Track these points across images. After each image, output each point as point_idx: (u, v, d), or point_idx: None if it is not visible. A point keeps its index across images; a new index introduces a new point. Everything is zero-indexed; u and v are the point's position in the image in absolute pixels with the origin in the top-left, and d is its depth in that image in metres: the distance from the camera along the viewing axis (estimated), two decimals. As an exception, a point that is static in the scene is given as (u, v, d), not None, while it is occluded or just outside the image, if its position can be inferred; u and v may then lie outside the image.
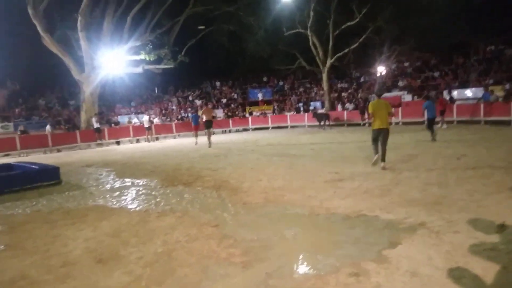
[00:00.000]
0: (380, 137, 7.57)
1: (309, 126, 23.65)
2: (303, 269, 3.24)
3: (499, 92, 18.03)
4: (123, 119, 26.03)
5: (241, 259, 3.51)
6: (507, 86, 17.24)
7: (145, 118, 21.54)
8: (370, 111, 7.62)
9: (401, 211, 4.60)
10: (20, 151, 17.22)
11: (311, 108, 27.29)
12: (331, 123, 21.86)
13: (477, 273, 2.92)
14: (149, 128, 20.57)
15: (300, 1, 23.13)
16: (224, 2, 23.96)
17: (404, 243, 3.59)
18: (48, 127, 20.20)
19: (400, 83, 25.80)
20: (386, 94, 24.72)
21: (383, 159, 7.55)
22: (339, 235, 3.96)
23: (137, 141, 21.57)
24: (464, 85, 22.18)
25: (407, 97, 22.69)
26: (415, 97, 22.45)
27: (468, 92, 20.80)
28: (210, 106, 23.03)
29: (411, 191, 5.51)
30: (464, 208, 4.52)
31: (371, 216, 4.49)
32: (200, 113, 16.09)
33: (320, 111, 23.61)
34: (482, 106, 16.66)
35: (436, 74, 24.97)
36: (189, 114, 28.34)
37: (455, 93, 21.43)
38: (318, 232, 4.12)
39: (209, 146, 14.53)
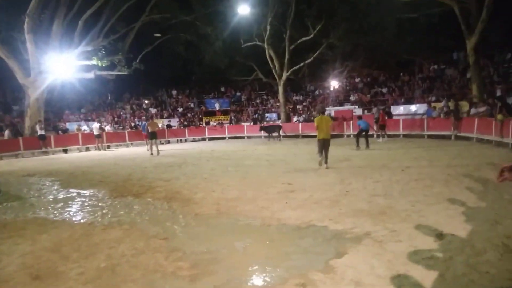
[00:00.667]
0: (325, 145, 9.32)
1: (265, 137, 23.89)
2: (251, 281, 3.23)
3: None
4: (71, 126, 24.75)
5: (189, 272, 3.44)
6: (443, 103, 18.53)
7: (95, 125, 20.60)
8: (316, 124, 9.35)
9: (349, 221, 4.75)
10: (-48, 159, 15.80)
11: (267, 119, 27.72)
12: (285, 134, 22.24)
13: (416, 280, 3.06)
14: (99, 136, 19.70)
15: (257, 14, 23.54)
16: (182, 11, 23.81)
17: (350, 253, 3.70)
18: (7, 132, 18.89)
19: (352, 98, 26.94)
20: (339, 108, 25.72)
21: (326, 162, 9.33)
22: (289, 246, 4.00)
23: (87, 149, 20.56)
24: (409, 101, 23.58)
25: (358, 111, 23.69)
26: (365, 111, 23.51)
27: (413, 108, 22.11)
28: (155, 119, 22.61)
29: (359, 202, 5.72)
30: (406, 218, 4.76)
31: (320, 226, 4.59)
32: (146, 125, 16.74)
33: (276, 122, 24.05)
34: (425, 121, 17.77)
35: (384, 90, 26.36)
36: (142, 122, 27.61)
37: (401, 108, 22.73)
38: (268, 243, 4.14)
39: (158, 154, 15.42)
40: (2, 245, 4.37)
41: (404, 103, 23.52)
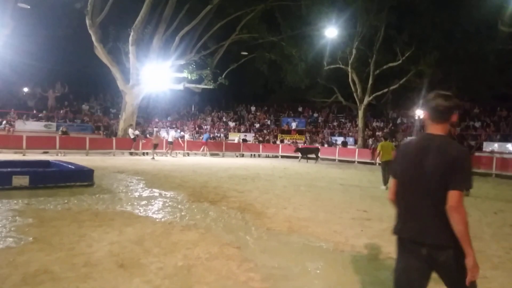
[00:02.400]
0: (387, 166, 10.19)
1: (340, 160, 23.35)
2: (323, 304, 3.13)
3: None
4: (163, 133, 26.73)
5: (261, 285, 3.44)
6: None
7: (171, 133, 22.00)
8: (378, 149, 10.79)
9: (431, 259, 4.37)
10: (58, 150, 18.02)
11: (335, 141, 27.30)
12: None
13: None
14: (171, 143, 20.86)
15: (344, 38, 23.42)
16: (269, 32, 24.64)
17: (432, 293, 3.39)
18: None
19: (439, 129, 25.11)
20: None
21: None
22: (364, 275, 3.81)
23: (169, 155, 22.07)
24: (505, 138, 21.30)
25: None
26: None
27: (510, 146, 19.93)
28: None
29: (443, 241, 5.25)
30: (499, 266, 4.25)
31: (399, 261, 4.29)
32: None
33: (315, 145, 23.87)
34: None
35: (477, 124, 24.18)
36: (221, 135, 28.84)
37: (495, 145, 20.63)
38: (341, 269, 3.98)
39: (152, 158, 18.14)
40: (93, 232, 4.82)
41: (499, 140, 21.29)
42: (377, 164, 13.32)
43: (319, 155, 22.06)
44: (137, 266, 3.76)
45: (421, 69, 22.71)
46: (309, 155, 21.94)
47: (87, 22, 19.38)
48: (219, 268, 3.81)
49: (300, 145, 24.92)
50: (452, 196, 1.95)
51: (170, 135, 21.56)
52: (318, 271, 3.89)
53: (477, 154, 18.18)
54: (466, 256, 1.93)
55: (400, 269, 2.22)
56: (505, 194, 11.15)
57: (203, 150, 23.03)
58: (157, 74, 21.62)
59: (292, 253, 4.42)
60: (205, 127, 30.22)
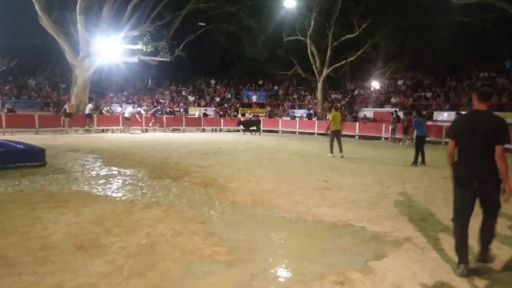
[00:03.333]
0: (338, 136, 11.32)
1: (300, 133, 23.74)
2: (288, 273, 3.21)
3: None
4: (113, 108, 25.62)
5: (226, 257, 3.47)
6: None
7: (128, 108, 21.24)
8: (330, 119, 11.58)
9: (388, 224, 4.62)
10: (5, 129, 16.83)
11: (291, 114, 27.66)
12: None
13: (460, 292, 2.93)
14: (127, 119, 20.24)
15: (302, 9, 23.28)
16: (227, 1, 23.94)
17: (389, 256, 3.60)
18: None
19: (393, 100, 26.12)
20: (378, 109, 25.07)
21: (341, 151, 11.29)
22: (325, 242, 3.95)
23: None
24: (454, 107, 22.57)
25: (399, 114, 22.93)
26: (407, 115, 22.75)
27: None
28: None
29: (398, 206, 5.55)
30: (449, 227, 4.54)
31: (358, 227, 4.49)
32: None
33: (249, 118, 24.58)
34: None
35: (429, 94, 25.37)
36: (181, 109, 28.23)
37: (445, 114, 21.83)
38: (304, 238, 4.10)
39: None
40: (48, 214, 4.60)
41: (449, 110, 22.52)
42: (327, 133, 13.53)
43: (260, 127, 22.53)
44: (98, 246, 3.65)
45: (376, 41, 23.22)
46: (251, 127, 22.26)
47: (29, -12, 17.77)
48: (183, 244, 3.79)
49: (242, 118, 24.97)
50: (498, 149, 3.03)
51: (127, 110, 20.78)
52: (282, 241, 3.98)
53: (428, 123, 19.13)
54: (505, 185, 3.05)
55: (458, 199, 3.34)
56: (452, 160, 11.89)
57: (152, 124, 22.33)
58: (109, 45, 20.43)
59: (257, 225, 4.48)
60: (162, 101, 29.38)
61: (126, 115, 20.27)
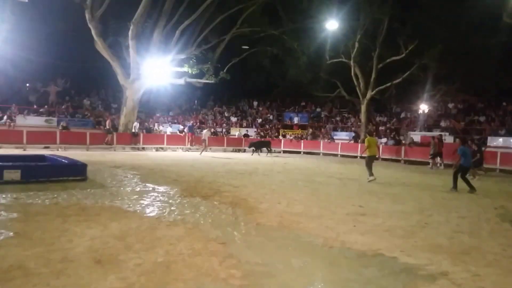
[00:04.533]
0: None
1: (342, 155, 23.12)
2: (303, 303, 2.98)
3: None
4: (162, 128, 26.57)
5: (240, 282, 3.31)
6: None
7: (204, 131, 21.40)
8: (366, 144, 11.19)
9: (423, 256, 4.21)
10: (59, 145, 18.00)
11: (331, 137, 26.89)
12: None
13: None
14: (204, 141, 20.37)
15: (346, 31, 23.10)
16: (270, 25, 24.36)
17: (420, 292, 3.24)
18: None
19: (443, 124, 24.76)
20: (426, 133, 23.83)
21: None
22: (350, 272, 3.66)
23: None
24: (510, 133, 20.92)
25: (448, 139, 21.65)
26: (456, 140, 21.39)
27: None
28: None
29: (438, 237, 5.08)
30: (494, 263, 4.08)
31: (389, 257, 4.14)
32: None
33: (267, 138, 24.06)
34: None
35: (482, 118, 23.78)
36: (223, 130, 28.69)
37: (500, 140, 20.29)
38: (327, 266, 3.84)
39: None
40: (77, 227, 4.71)
41: (504, 135, 20.92)
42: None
43: (271, 148, 22.25)
44: (115, 262, 3.64)
45: (425, 62, 22.33)
46: (262, 148, 22.01)
47: (87, 16, 19.26)
48: (199, 265, 3.68)
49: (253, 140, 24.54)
50: None
51: (204, 133, 20.99)
52: (302, 268, 3.75)
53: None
54: None
55: None
56: (508, 189, 10.91)
57: (189, 143, 22.59)
58: (157, 68, 21.47)
59: (279, 249, 4.28)
60: (208, 122, 30.08)
61: (204, 137, 20.43)
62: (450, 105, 26.64)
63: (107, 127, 20.07)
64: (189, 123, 25.19)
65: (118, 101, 26.57)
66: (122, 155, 17.21)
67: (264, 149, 22.02)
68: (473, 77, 23.23)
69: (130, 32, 19.84)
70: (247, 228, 5.11)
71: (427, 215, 6.53)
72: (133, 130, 20.84)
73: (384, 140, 23.62)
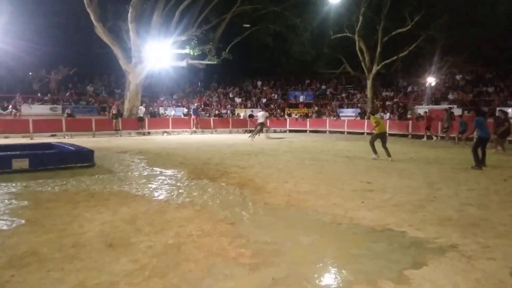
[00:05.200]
0: (384, 139, 10.59)
1: (348, 132, 23.01)
2: (313, 280, 3.01)
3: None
4: (168, 112, 26.57)
5: (250, 260, 3.34)
6: None
7: (261, 113, 19.91)
8: (373, 122, 10.71)
9: (432, 229, 4.21)
10: (65, 133, 18.12)
11: (337, 114, 26.51)
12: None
13: (512, 309, 2.55)
14: (261, 124, 18.87)
15: (349, 4, 22.55)
16: (271, 2, 23.86)
17: (430, 265, 3.25)
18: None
19: (450, 96, 24.40)
20: (434, 106, 23.54)
21: (389, 155, 10.29)
22: (359, 248, 3.67)
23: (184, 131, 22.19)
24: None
25: (456, 111, 21.38)
26: (465, 112, 21.11)
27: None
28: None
29: (447, 210, 5.07)
30: (504, 234, 4.06)
31: (398, 232, 4.15)
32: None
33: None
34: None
35: (491, 89, 23.37)
36: (228, 111, 28.60)
37: (509, 110, 19.94)
38: (336, 242, 3.85)
39: None
40: (87, 212, 4.77)
41: (513, 105, 20.58)
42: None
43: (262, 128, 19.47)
44: (126, 245, 3.69)
45: (431, 34, 21.81)
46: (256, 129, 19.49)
47: (85, 1, 18.98)
48: (210, 245, 3.72)
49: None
50: None
51: (260, 115, 20.04)
52: (311, 245, 3.77)
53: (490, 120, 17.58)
54: None
55: None
56: (517, 160, 10.80)
57: (194, 126, 22.36)
58: (159, 51, 21.26)
59: (288, 228, 4.30)
60: (212, 103, 29.98)
61: (260, 120, 19.66)
62: (458, 77, 26.18)
63: (113, 112, 20.10)
64: (194, 106, 25.08)
65: (121, 87, 26.55)
66: (128, 140, 17.29)
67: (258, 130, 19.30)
68: (481, 47, 22.72)
69: (129, 15, 19.59)
70: (255, 208, 5.13)
71: (436, 189, 6.50)
72: (139, 115, 20.86)
73: (387, 115, 23.39)
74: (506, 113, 13.17)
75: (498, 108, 15.34)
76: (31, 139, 16.46)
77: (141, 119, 20.78)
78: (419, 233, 4.10)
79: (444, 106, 22.62)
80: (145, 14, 21.55)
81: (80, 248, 3.58)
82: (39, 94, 23.21)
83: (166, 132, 21.83)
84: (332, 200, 5.59)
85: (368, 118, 16.63)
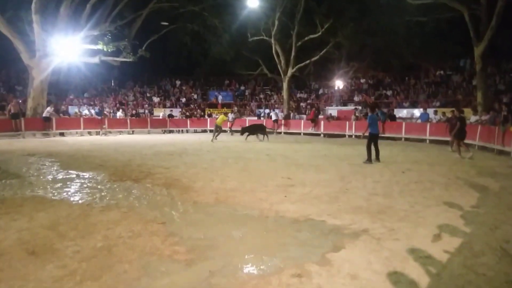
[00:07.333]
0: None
1: (269, 132, 23.82)
2: (247, 269, 3.23)
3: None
4: (73, 110, 24.63)
5: (185, 256, 3.44)
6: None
7: (275, 112, 19.96)
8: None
9: (347, 217, 4.74)
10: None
11: (268, 114, 27.53)
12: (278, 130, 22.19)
13: (413, 278, 3.06)
14: (276, 121, 19.45)
15: (266, 8, 23.41)
16: (190, 1, 23.67)
17: (347, 248, 3.70)
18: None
19: (356, 98, 26.85)
20: (342, 108, 25.71)
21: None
22: (286, 237, 4.00)
23: (89, 133, 20.76)
24: (413, 105, 23.51)
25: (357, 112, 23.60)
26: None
27: (416, 112, 22.04)
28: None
29: (358, 200, 5.71)
30: (405, 218, 4.75)
31: (318, 221, 4.58)
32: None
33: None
34: (428, 125, 17.69)
35: (389, 92, 26.28)
36: (146, 111, 27.63)
37: (404, 111, 22.70)
38: (265, 234, 4.13)
39: None
40: (-1, 220, 4.36)
41: (409, 107, 23.43)
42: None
43: (266, 132, 18.54)
44: (51, 251, 3.51)
45: (339, 41, 23.74)
46: (257, 133, 18.47)
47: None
48: (142, 245, 3.71)
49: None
50: None
51: (274, 113, 19.16)
52: (242, 238, 3.99)
53: (389, 121, 19.82)
54: None
55: None
56: (412, 155, 12.38)
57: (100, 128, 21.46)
58: (67, 45, 19.61)
59: (218, 223, 4.46)
60: (128, 103, 28.64)
61: (274, 118, 18.79)
62: (362, 81, 28.90)
63: (13, 111, 18.02)
64: (96, 108, 23.76)
65: (23, 83, 23.92)
66: (33, 142, 15.72)
67: (260, 135, 18.21)
68: (381, 54, 25.41)
69: (33, 6, 17.74)
70: (184, 206, 5.19)
71: (347, 181, 7.22)
72: (44, 115, 19.00)
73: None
74: (458, 116, 12.08)
75: (450, 109, 14.61)
76: None
77: (47, 119, 18.98)
78: (336, 221, 4.59)
79: (351, 107, 24.88)
80: (51, 4, 19.73)
81: (-3, 259, 3.31)
82: None
83: (77, 133, 20.29)
84: (258, 196, 5.89)
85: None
